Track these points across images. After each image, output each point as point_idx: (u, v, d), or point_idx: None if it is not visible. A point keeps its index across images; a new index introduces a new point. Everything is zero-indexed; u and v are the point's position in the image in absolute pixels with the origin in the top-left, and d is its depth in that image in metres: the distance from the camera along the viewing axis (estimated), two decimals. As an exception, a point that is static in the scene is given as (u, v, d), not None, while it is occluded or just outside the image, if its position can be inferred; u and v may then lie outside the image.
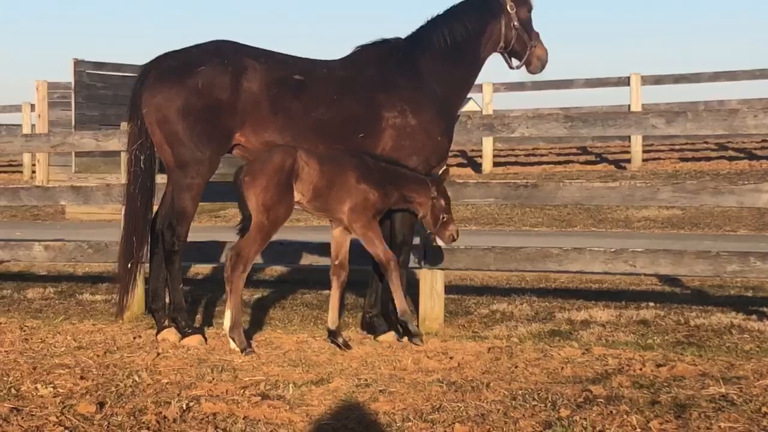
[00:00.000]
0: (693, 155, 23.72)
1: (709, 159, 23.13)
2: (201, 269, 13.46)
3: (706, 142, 24.40)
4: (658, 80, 23.74)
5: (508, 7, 9.07)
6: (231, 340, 8.27)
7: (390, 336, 8.74)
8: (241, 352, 8.12)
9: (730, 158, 22.92)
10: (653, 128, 9.07)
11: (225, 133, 8.40)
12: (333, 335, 8.50)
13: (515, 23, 9.08)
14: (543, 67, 9.35)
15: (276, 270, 13.58)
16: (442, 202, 8.44)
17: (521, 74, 9.55)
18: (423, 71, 8.86)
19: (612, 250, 9.03)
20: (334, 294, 8.53)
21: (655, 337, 8.86)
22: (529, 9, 9.25)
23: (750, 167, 21.97)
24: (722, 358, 7.85)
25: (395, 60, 8.89)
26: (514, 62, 9.36)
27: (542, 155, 25.94)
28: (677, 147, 24.64)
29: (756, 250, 8.98)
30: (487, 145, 22.60)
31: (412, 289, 9.52)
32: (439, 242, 8.62)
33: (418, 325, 8.93)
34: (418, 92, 8.74)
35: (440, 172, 8.69)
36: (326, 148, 8.45)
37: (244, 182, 8.11)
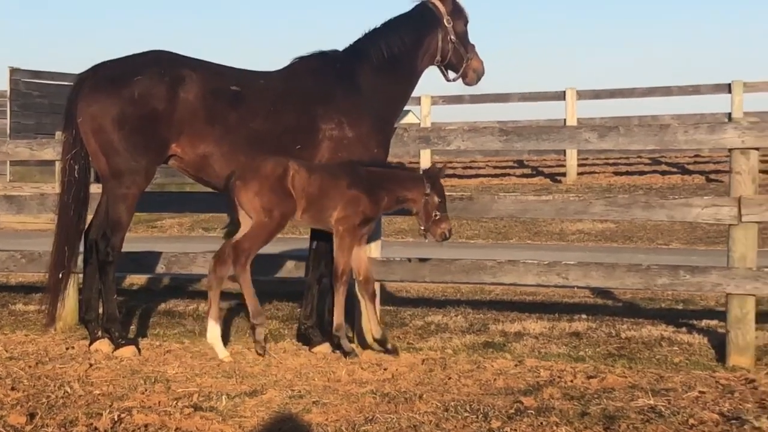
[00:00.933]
0: (627, 169, 23.98)
1: (642, 173, 23.39)
2: (136, 280, 13.41)
3: (639, 157, 24.68)
4: (593, 95, 24.00)
5: (445, 21, 9.14)
6: (251, 329, 8.52)
7: (325, 347, 8.76)
8: (255, 343, 8.40)
9: (663, 173, 23.20)
10: (586, 142, 9.16)
11: (161, 144, 8.37)
12: (381, 343, 8.64)
13: (452, 37, 9.16)
14: (479, 78, 9.44)
15: (212, 281, 13.51)
16: (436, 199, 8.53)
17: (459, 87, 9.61)
18: (360, 84, 8.90)
19: (545, 262, 9.11)
20: (369, 306, 8.71)
21: (586, 349, 8.96)
22: (466, 22, 9.33)
23: (682, 182, 22.25)
24: (652, 371, 7.97)
25: (333, 72, 8.92)
26: (451, 75, 9.43)
27: (479, 168, 26.09)
28: (612, 161, 24.91)
29: (686, 264, 9.10)
30: (425, 158, 22.68)
31: (350, 300, 9.54)
32: (430, 239, 8.74)
33: (354, 338, 8.95)
34: (355, 104, 8.77)
35: (438, 168, 8.83)
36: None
37: (236, 186, 8.18)
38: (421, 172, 8.83)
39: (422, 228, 8.69)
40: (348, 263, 8.47)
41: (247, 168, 8.27)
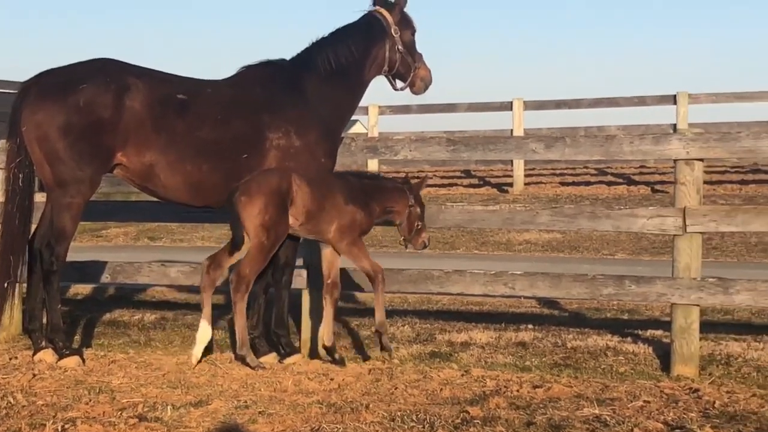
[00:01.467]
0: (573, 179, 24.11)
1: (589, 183, 23.52)
2: (81, 289, 13.30)
3: (586, 167, 24.81)
4: (540, 105, 24.13)
5: (392, 31, 9.15)
6: (240, 360, 8.43)
7: (271, 357, 8.75)
8: (254, 368, 8.26)
9: (609, 183, 23.34)
10: (533, 153, 9.20)
11: (106, 152, 8.31)
12: (329, 351, 8.63)
13: (399, 46, 9.17)
14: (426, 87, 9.49)
15: (158, 290, 13.47)
16: (418, 210, 8.77)
17: (407, 96, 9.61)
18: (308, 93, 8.88)
19: (492, 272, 9.14)
20: (328, 310, 8.67)
21: (532, 359, 9.00)
22: (413, 32, 9.35)
23: (628, 192, 22.39)
24: (597, 380, 8.01)
25: (280, 81, 8.90)
26: (399, 84, 9.44)
27: (427, 178, 26.08)
28: (558, 171, 25.03)
29: (631, 274, 9.16)
30: (373, 167, 22.68)
31: (295, 310, 9.53)
32: (411, 248, 9.00)
33: (300, 347, 8.92)
34: (302, 114, 8.75)
35: (419, 180, 9.04)
36: (210, 167, 8.44)
37: (240, 202, 8.18)
38: (402, 184, 8.92)
39: (403, 238, 8.93)
40: (374, 263, 8.61)
41: (252, 183, 8.28)
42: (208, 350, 8.70)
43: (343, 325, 10.67)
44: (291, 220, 8.33)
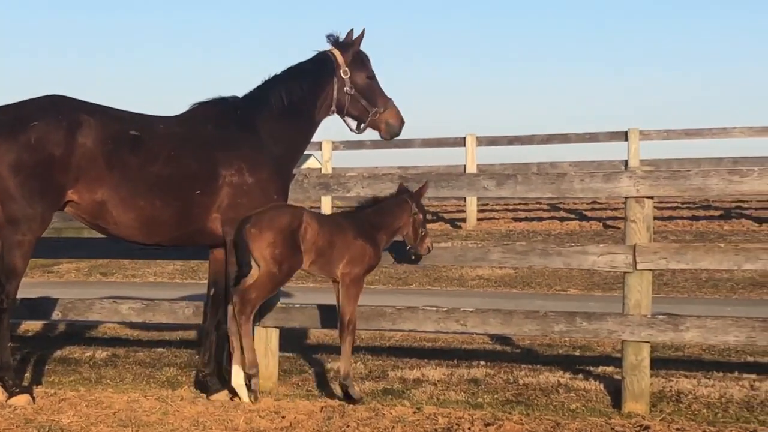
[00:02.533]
0: (526, 215, 24.22)
1: (541, 219, 23.64)
2: (31, 326, 13.20)
3: (539, 203, 24.93)
4: (493, 141, 24.19)
5: (341, 72, 9.13)
6: (247, 379, 8.44)
7: (223, 395, 8.71)
8: (250, 393, 8.39)
9: (562, 219, 23.46)
10: (485, 190, 9.25)
11: (58, 190, 8.26)
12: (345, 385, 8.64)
13: (347, 88, 9.15)
14: (392, 133, 9.34)
15: (109, 327, 13.39)
16: (421, 217, 8.83)
17: (371, 133, 9.55)
18: (259, 130, 8.88)
19: (444, 309, 9.16)
20: (346, 349, 8.64)
21: (484, 396, 9.01)
22: (368, 76, 9.24)
23: (580, 228, 22.51)
24: (549, 417, 8.03)
25: (232, 118, 8.90)
26: (352, 124, 9.40)
27: (428, 183, 26.03)
28: (511, 207, 25.13)
29: (582, 311, 9.19)
30: (326, 203, 22.68)
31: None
32: (416, 254, 9.02)
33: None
34: (254, 151, 8.75)
35: (419, 188, 9.03)
36: (163, 203, 8.42)
37: (251, 233, 8.22)
38: (402, 194, 8.96)
39: (409, 247, 8.94)
40: (355, 312, 8.59)
41: (264, 216, 8.32)
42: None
43: (293, 362, 10.66)
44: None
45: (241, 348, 8.34)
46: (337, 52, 9.17)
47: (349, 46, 9.20)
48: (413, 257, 9.10)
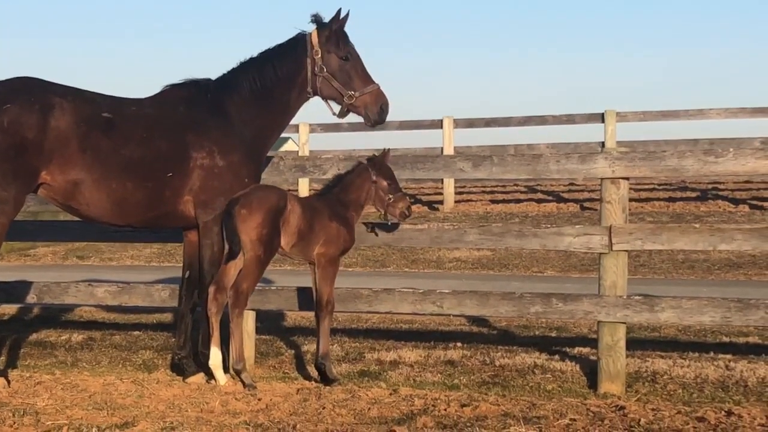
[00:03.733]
0: (503, 197, 24.24)
1: (518, 201, 23.67)
2: (7, 309, 13.13)
3: (516, 185, 24.96)
4: (470, 123, 24.17)
5: (314, 53, 9.00)
6: (235, 373, 8.48)
7: (199, 377, 8.71)
8: (246, 387, 8.32)
9: (539, 200, 23.49)
10: (461, 171, 9.25)
11: (31, 172, 8.19)
12: (323, 365, 8.66)
13: (317, 70, 9.00)
14: (373, 119, 9.01)
15: (85, 310, 13.35)
16: (384, 183, 8.73)
17: (349, 116, 9.30)
18: (230, 113, 8.84)
19: (420, 291, 9.16)
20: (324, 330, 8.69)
21: (461, 377, 9.03)
22: (342, 57, 9.01)
23: (557, 210, 22.55)
24: (525, 398, 8.05)
25: (204, 101, 8.85)
26: (335, 108, 9.19)
27: (389, 150, 26.00)
28: (488, 189, 25.15)
29: (559, 292, 9.21)
30: (303, 186, 22.65)
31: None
32: (392, 221, 8.91)
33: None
34: (226, 134, 8.71)
35: (380, 153, 8.92)
36: (135, 185, 8.38)
37: (240, 215, 8.26)
38: (360, 164, 8.93)
39: (381, 214, 8.92)
40: (332, 294, 8.63)
41: (253, 197, 8.37)
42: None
43: (270, 344, 10.66)
44: (283, 240, 8.45)
45: (224, 334, 8.39)
46: (313, 33, 9.04)
47: (325, 27, 9.02)
48: (390, 225, 9.03)
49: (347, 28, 9.00)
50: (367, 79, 9.05)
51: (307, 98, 9.11)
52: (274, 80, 8.93)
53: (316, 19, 9.05)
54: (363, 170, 8.83)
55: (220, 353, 8.49)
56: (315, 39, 8.99)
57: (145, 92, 9.00)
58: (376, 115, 9.01)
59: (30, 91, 8.28)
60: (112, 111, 8.46)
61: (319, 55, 8.95)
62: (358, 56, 9.10)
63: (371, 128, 9.30)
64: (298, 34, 9.11)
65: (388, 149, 9.01)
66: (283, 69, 8.95)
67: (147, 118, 8.60)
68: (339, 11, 8.99)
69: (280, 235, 8.39)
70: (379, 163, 8.81)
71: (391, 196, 8.74)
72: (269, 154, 9.47)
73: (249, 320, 9.60)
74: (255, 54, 9.10)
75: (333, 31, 9.00)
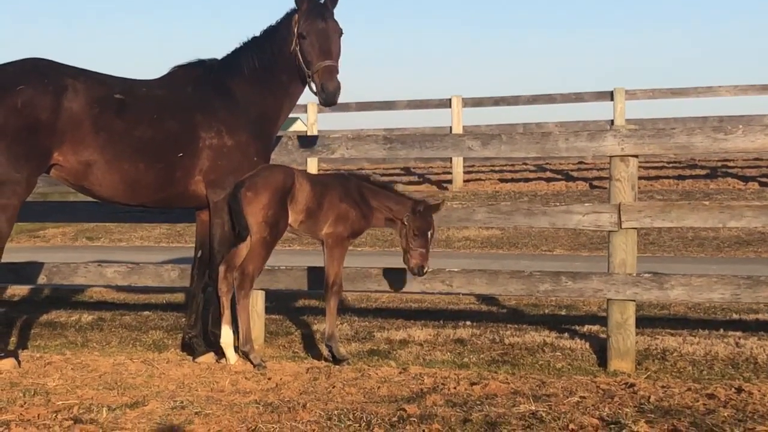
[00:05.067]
0: (512, 176, 24.21)
1: (528, 180, 23.65)
2: (17, 290, 13.18)
3: (525, 164, 24.93)
4: (478, 102, 24.15)
5: (294, 30, 8.78)
6: (243, 356, 8.49)
7: (209, 357, 8.72)
8: (255, 367, 8.33)
9: (548, 179, 23.47)
10: (469, 150, 9.24)
11: (43, 153, 8.21)
12: (329, 345, 8.66)
13: (292, 47, 8.78)
14: (323, 98, 8.57)
15: (95, 291, 13.38)
16: (413, 231, 8.46)
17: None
18: (236, 93, 8.83)
19: (429, 270, 9.16)
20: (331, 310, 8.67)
21: (470, 356, 9.04)
22: (300, 35, 8.69)
23: (567, 188, 22.54)
24: (534, 376, 8.06)
25: (210, 81, 8.85)
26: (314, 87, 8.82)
27: (445, 201, 26.00)
28: (497, 168, 25.12)
29: (568, 270, 9.21)
30: (312, 165, 22.63)
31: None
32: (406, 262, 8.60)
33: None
34: (232, 113, 8.70)
35: (431, 203, 8.67)
36: (146, 166, 8.40)
37: (246, 197, 8.31)
38: (410, 198, 8.73)
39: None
40: (339, 274, 8.61)
41: (258, 179, 8.39)
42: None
43: (279, 324, 10.67)
44: (291, 218, 8.46)
45: (234, 314, 8.40)
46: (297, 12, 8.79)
47: (300, 4, 8.77)
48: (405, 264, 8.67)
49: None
50: (321, 56, 8.64)
51: (305, 78, 8.82)
52: (270, 59, 8.86)
53: None
54: (403, 201, 8.68)
55: (231, 332, 8.51)
56: (296, 17, 8.78)
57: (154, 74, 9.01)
58: (324, 94, 8.56)
59: (43, 73, 8.29)
60: (123, 92, 8.48)
61: (294, 34, 8.75)
62: (323, 32, 8.69)
63: (325, 107, 8.94)
64: (291, 10, 8.90)
65: (443, 202, 8.82)
66: (275, 47, 8.85)
67: (157, 99, 8.61)
68: None
69: (287, 214, 8.40)
70: (420, 210, 8.52)
71: (412, 243, 8.49)
72: (278, 134, 9.45)
73: (258, 300, 9.62)
74: (258, 32, 9.06)
75: (301, 9, 8.77)
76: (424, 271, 8.48)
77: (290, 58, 8.80)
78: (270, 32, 8.96)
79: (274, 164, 8.84)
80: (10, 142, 8.09)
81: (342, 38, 8.80)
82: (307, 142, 9.75)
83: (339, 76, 8.62)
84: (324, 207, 8.53)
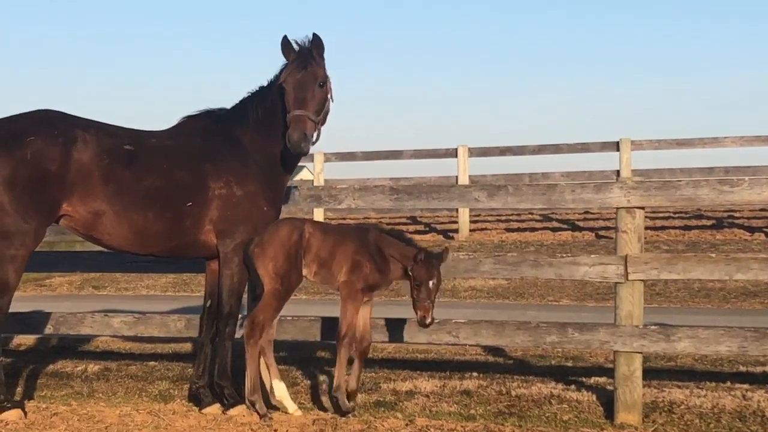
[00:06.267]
0: (518, 226, 24.23)
1: (533, 230, 23.66)
2: (23, 340, 13.17)
3: (531, 214, 24.95)
4: (484, 152, 24.20)
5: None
6: (250, 406, 8.47)
7: (215, 408, 8.72)
8: (261, 418, 8.31)
9: (554, 229, 23.48)
10: (476, 201, 9.27)
11: (52, 204, 8.26)
12: (349, 396, 8.65)
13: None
14: (291, 147, 8.54)
15: (101, 340, 13.37)
16: (418, 281, 8.24)
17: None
18: (244, 142, 8.88)
19: (436, 321, 9.15)
20: (356, 365, 8.69)
21: (477, 408, 9.01)
22: (281, 85, 8.76)
23: (573, 238, 22.54)
24: (541, 428, 8.06)
25: (219, 131, 8.91)
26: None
27: (448, 251, 25.98)
28: (503, 218, 25.14)
29: (575, 321, 9.20)
30: (319, 215, 22.70)
31: (238, 361, 9.48)
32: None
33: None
34: (242, 163, 8.76)
35: (433, 252, 8.46)
36: (155, 215, 8.45)
37: (255, 253, 8.43)
38: (416, 247, 8.55)
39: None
40: (351, 326, 8.52)
41: (265, 233, 8.50)
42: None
43: (286, 374, 10.65)
44: (305, 270, 8.50)
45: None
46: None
47: (286, 55, 8.83)
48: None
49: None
50: (294, 105, 8.66)
51: None
52: (271, 108, 8.90)
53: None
54: (409, 251, 8.47)
55: (283, 384, 8.59)
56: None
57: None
58: (288, 144, 8.57)
59: (52, 124, 8.36)
60: (133, 143, 8.55)
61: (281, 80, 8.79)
62: (299, 82, 8.72)
63: (295, 155, 8.87)
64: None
65: (446, 250, 8.58)
66: (274, 97, 8.88)
67: (166, 150, 8.67)
68: (283, 39, 8.82)
69: (299, 265, 8.43)
70: (422, 259, 8.33)
71: (420, 298, 8.24)
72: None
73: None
74: (267, 82, 9.11)
75: (288, 59, 8.83)
76: (427, 322, 8.24)
77: (284, 107, 8.83)
78: (272, 82, 9.02)
79: (285, 217, 8.88)
80: (19, 192, 8.14)
81: (328, 84, 8.85)
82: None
83: (328, 122, 8.85)
84: (337, 257, 8.52)
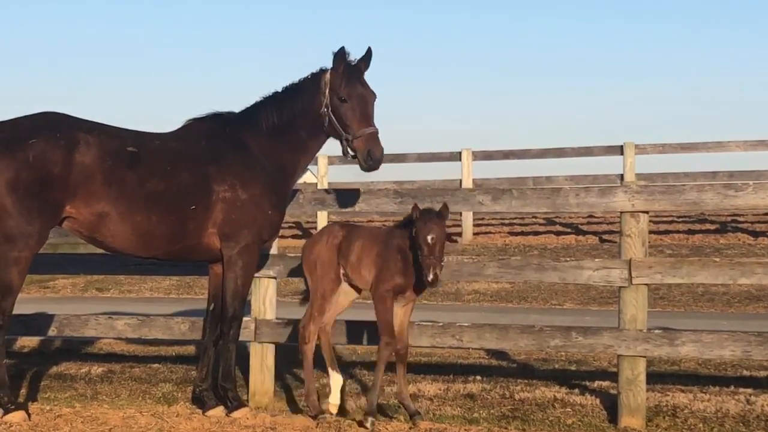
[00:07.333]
0: (522, 229, 24.21)
1: (537, 233, 23.64)
2: (27, 342, 13.18)
3: (534, 217, 24.95)
4: (488, 156, 24.18)
5: (327, 91, 8.81)
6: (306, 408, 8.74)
7: (219, 410, 8.72)
8: (313, 418, 8.45)
9: (558, 233, 23.46)
10: (480, 205, 9.28)
11: (55, 207, 8.27)
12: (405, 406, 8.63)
13: (324, 110, 8.81)
14: (362, 161, 8.68)
15: (105, 342, 13.38)
16: (420, 239, 8.00)
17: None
18: (251, 146, 8.88)
19: (440, 324, 9.17)
20: (399, 368, 8.66)
21: (480, 411, 9.01)
22: (341, 98, 8.73)
23: (576, 242, 22.53)
24: (544, 432, 8.03)
25: (225, 134, 8.91)
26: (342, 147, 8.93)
27: (447, 207, 25.97)
28: (507, 221, 25.14)
29: (578, 325, 9.20)
30: (322, 217, 22.67)
31: (243, 363, 9.50)
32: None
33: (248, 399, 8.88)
34: (247, 167, 8.76)
35: (430, 211, 8.26)
36: (159, 218, 8.45)
37: (302, 258, 8.78)
38: (415, 210, 8.28)
39: None
40: (387, 328, 8.32)
41: (310, 238, 8.91)
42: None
43: (291, 378, 10.65)
44: (342, 272, 8.63)
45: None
46: (328, 72, 8.83)
47: (335, 67, 8.82)
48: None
49: (372, 67, 8.85)
50: (363, 122, 8.70)
51: (324, 136, 8.98)
52: (290, 116, 8.91)
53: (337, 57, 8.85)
54: (408, 221, 8.37)
55: (340, 376, 8.75)
56: (328, 77, 8.83)
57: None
58: (363, 163, 8.67)
59: (55, 127, 8.37)
60: (136, 145, 8.54)
61: (326, 95, 8.82)
62: (363, 97, 8.77)
63: (366, 172, 8.94)
64: (319, 70, 8.98)
65: (446, 208, 8.37)
66: (297, 105, 8.90)
67: (170, 152, 8.68)
68: (341, 50, 8.81)
69: (336, 268, 8.61)
70: (420, 216, 8.15)
71: (427, 254, 7.97)
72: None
73: (269, 353, 9.61)
74: (280, 88, 9.11)
75: (337, 71, 8.81)
76: (429, 278, 7.93)
77: (315, 117, 8.84)
78: (293, 90, 8.99)
79: (332, 222, 8.99)
80: (22, 195, 8.14)
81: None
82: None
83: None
84: (363, 261, 8.51)
